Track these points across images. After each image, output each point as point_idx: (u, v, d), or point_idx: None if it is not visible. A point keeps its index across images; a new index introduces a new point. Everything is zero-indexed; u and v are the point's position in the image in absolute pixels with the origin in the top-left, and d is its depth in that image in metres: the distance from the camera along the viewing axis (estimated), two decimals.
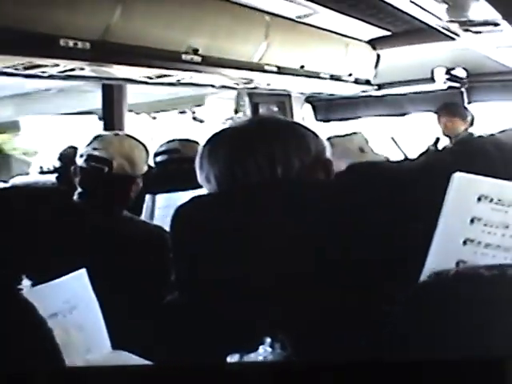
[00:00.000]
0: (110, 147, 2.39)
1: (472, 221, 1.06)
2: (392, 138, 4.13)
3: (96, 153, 2.38)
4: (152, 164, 3.30)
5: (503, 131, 2.09)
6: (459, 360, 0.81)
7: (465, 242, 1.05)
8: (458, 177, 1.07)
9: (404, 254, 1.10)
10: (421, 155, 2.49)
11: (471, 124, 4.86)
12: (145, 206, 2.80)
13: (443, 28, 3.43)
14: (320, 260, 1.18)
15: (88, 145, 2.42)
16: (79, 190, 2.39)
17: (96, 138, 2.44)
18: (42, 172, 3.84)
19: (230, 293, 1.20)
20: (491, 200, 1.06)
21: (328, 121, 5.43)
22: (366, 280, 1.14)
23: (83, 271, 1.42)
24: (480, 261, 1.02)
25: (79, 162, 2.42)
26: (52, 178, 3.49)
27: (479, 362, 0.79)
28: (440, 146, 4.80)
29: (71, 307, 1.34)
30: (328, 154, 1.41)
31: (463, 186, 1.07)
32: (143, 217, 2.74)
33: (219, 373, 0.79)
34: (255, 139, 1.36)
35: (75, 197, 2.39)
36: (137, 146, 2.48)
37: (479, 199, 1.06)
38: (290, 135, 1.37)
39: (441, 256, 1.04)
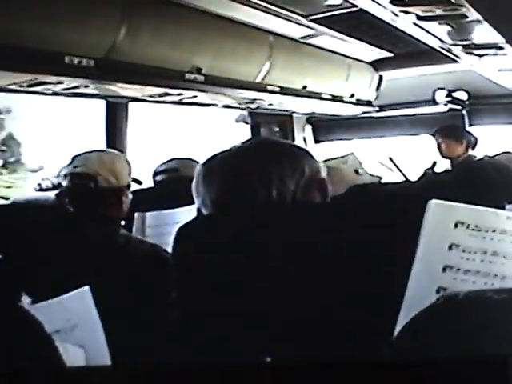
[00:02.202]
0: (91, 163, 2.37)
1: (450, 247, 1.06)
2: (390, 158, 4.11)
3: (77, 170, 2.35)
4: (152, 183, 3.31)
5: (501, 153, 2.10)
6: (460, 360, 0.81)
7: (444, 269, 1.06)
8: (433, 203, 1.07)
9: (405, 275, 1.11)
10: (420, 178, 2.49)
11: (474, 147, 4.84)
12: (134, 224, 2.78)
13: (446, 50, 3.44)
14: (319, 281, 1.18)
15: (69, 164, 2.40)
16: (71, 209, 2.37)
17: (75, 156, 2.42)
18: (40, 189, 3.83)
19: (231, 311, 1.20)
20: (468, 226, 1.06)
21: (329, 141, 5.44)
22: (364, 300, 1.14)
23: (86, 289, 1.41)
24: (460, 287, 1.01)
25: (64, 182, 2.40)
26: (51, 195, 3.48)
27: (480, 362, 0.79)
28: (437, 170, 4.79)
29: (73, 325, 1.33)
30: (323, 173, 1.41)
31: (439, 212, 1.07)
32: None
33: (219, 373, 0.79)
34: (250, 162, 1.36)
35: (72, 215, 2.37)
36: (118, 158, 2.46)
37: (456, 225, 1.07)
38: (284, 157, 1.37)
39: (421, 282, 1.04)
